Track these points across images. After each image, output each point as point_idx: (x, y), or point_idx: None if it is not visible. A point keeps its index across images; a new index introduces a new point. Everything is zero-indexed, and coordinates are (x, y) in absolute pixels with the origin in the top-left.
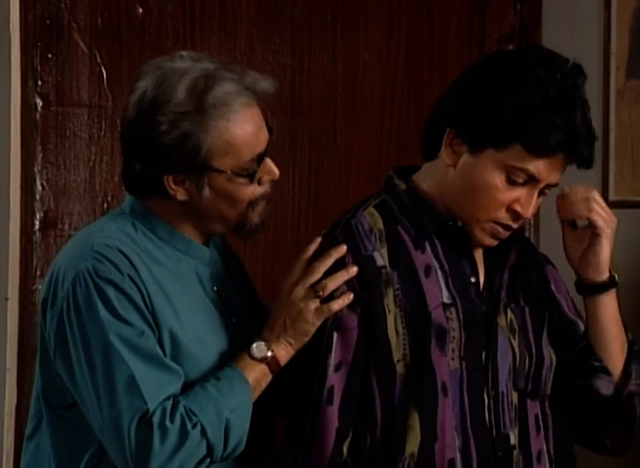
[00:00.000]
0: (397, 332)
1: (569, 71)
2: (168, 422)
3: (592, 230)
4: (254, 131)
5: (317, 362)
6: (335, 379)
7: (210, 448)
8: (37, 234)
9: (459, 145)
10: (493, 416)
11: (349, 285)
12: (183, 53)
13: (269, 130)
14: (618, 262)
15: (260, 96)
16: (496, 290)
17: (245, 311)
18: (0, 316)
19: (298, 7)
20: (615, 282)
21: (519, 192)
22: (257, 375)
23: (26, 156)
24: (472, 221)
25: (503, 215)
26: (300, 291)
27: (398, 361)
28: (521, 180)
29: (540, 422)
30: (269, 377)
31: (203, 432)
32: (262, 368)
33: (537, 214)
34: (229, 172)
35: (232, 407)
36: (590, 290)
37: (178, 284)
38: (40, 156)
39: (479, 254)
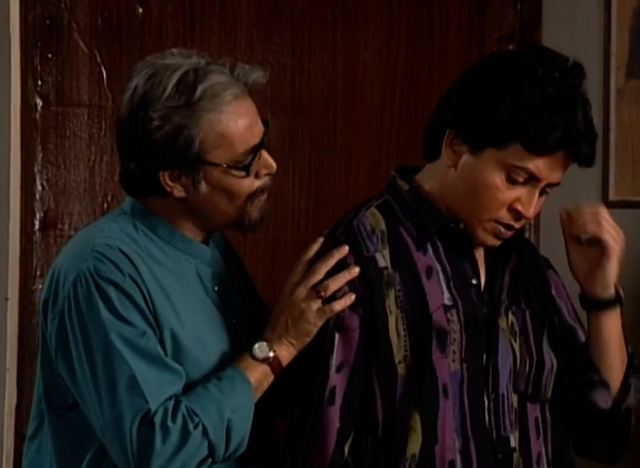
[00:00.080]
0: (398, 334)
1: (568, 70)
2: (170, 422)
3: (603, 249)
4: (247, 123)
5: (319, 362)
6: (336, 380)
7: (211, 448)
8: (37, 234)
9: (459, 146)
10: (493, 419)
11: (351, 285)
12: (174, 50)
13: (265, 123)
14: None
15: (251, 87)
16: (496, 291)
17: (245, 311)
18: (0, 316)
19: (298, 7)
20: (621, 298)
21: (520, 191)
22: (258, 376)
23: (26, 156)
24: (474, 221)
25: (505, 215)
26: (302, 291)
27: (399, 362)
28: (521, 179)
29: (540, 426)
30: (271, 378)
31: (205, 432)
32: (264, 368)
33: (537, 215)
34: (224, 165)
35: (234, 407)
36: (596, 306)
37: (178, 284)
38: (40, 156)
39: (480, 256)
